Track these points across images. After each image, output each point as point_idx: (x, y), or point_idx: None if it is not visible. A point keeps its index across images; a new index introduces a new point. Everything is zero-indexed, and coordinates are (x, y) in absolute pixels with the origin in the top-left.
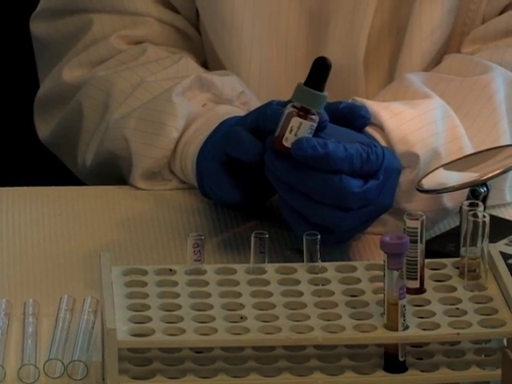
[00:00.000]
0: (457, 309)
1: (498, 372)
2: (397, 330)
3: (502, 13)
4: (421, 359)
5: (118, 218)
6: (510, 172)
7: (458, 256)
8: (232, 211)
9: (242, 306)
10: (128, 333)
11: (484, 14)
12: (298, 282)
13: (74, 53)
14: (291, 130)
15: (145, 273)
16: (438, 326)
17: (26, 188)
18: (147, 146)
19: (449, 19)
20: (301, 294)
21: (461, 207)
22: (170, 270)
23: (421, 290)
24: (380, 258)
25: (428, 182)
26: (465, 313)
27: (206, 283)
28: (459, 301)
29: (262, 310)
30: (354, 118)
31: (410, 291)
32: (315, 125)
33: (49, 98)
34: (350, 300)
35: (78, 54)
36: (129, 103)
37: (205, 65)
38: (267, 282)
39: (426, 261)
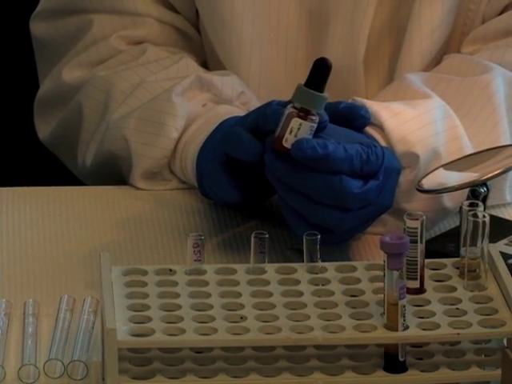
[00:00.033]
0: (457, 309)
1: (498, 372)
2: (397, 330)
3: (501, 13)
4: (421, 359)
5: (118, 218)
6: (510, 172)
7: (457, 256)
8: (232, 211)
9: (241, 306)
10: (128, 333)
11: (484, 14)
12: (297, 282)
13: (73, 53)
14: (291, 131)
15: (145, 273)
16: (438, 326)
17: (26, 188)
18: (147, 146)
19: (449, 19)
20: (301, 294)
21: (461, 207)
22: (170, 270)
23: (421, 289)
24: (380, 258)
25: (428, 182)
26: (465, 313)
27: (206, 283)
28: (459, 301)
29: (261, 310)
30: (353, 118)
31: (410, 291)
32: (315, 125)
33: (49, 99)
34: (350, 300)
35: (77, 54)
36: (129, 103)
37: (205, 65)
38: (267, 282)
39: (426, 261)
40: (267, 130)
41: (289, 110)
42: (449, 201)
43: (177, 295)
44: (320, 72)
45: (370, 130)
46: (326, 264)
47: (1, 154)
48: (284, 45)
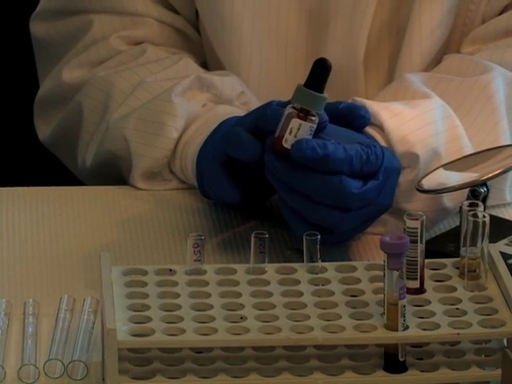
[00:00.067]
0: (457, 309)
1: (498, 372)
2: (397, 330)
3: (501, 13)
4: (421, 359)
5: (118, 218)
6: (510, 172)
7: (457, 256)
8: (232, 211)
9: (241, 306)
10: (128, 333)
11: (484, 14)
12: (297, 282)
13: (73, 53)
14: (291, 131)
15: (145, 273)
16: (438, 326)
17: (26, 188)
18: (147, 146)
19: (448, 19)
20: (301, 294)
21: (461, 207)
22: (170, 270)
23: (421, 290)
24: (380, 258)
25: (428, 182)
26: (465, 313)
27: (206, 283)
28: (459, 301)
29: (261, 310)
30: (353, 118)
31: (410, 291)
32: (315, 126)
33: (49, 99)
34: (350, 300)
35: (77, 54)
36: (129, 103)
37: (205, 65)
38: (267, 282)
39: (426, 261)
40: (267, 130)
41: (288, 110)
42: (449, 201)
43: (177, 295)
44: (320, 72)
45: (369, 130)
46: (326, 264)
47: (1, 154)
48: (284, 45)
